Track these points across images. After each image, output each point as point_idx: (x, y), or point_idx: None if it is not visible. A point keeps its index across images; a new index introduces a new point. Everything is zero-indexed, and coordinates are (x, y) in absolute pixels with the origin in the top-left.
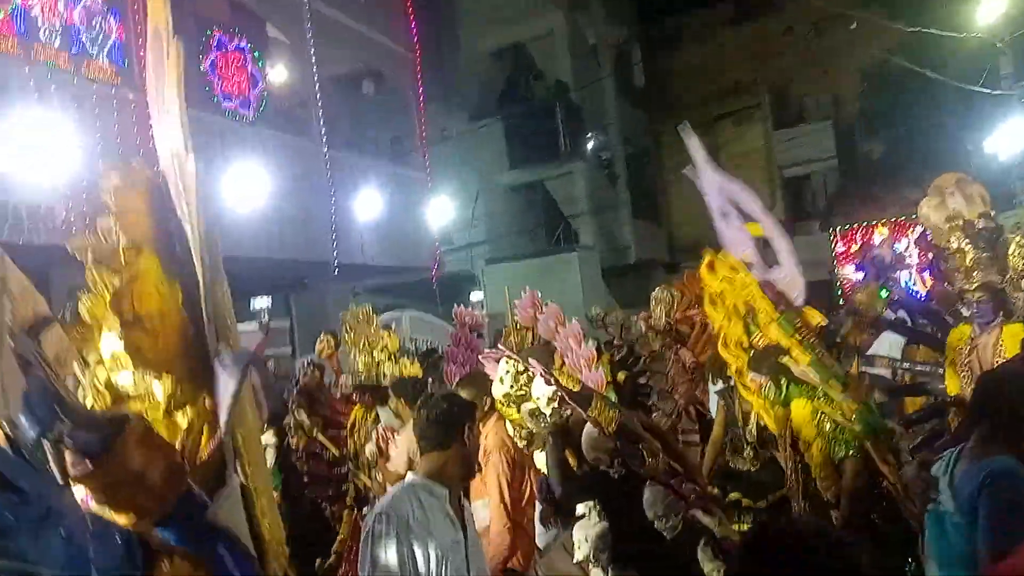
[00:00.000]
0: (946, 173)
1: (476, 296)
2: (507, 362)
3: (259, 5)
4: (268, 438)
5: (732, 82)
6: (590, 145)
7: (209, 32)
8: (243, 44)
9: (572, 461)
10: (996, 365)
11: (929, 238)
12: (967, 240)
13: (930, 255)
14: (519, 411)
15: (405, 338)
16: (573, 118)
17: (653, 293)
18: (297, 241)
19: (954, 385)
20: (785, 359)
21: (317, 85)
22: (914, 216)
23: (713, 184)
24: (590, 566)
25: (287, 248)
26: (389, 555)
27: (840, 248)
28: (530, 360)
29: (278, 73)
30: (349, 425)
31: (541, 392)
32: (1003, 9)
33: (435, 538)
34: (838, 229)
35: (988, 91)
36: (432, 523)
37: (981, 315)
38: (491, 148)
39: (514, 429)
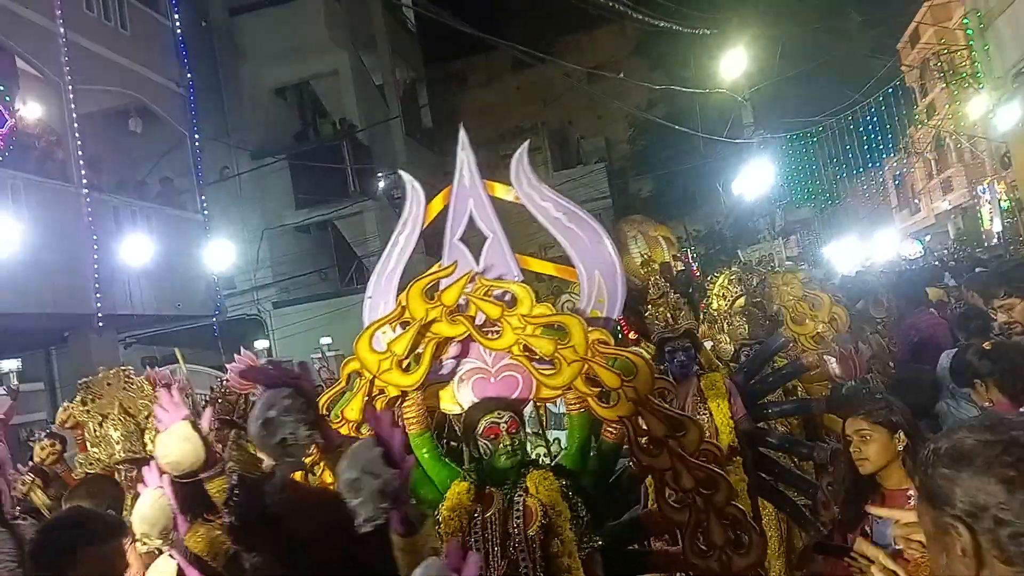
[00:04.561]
0: (629, 217)
1: (262, 344)
2: None
3: (6, 36)
4: None
5: (516, 124)
6: (380, 185)
7: None
8: None
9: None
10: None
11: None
12: (667, 285)
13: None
14: None
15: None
16: (361, 157)
17: None
18: (55, 292)
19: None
20: None
21: (75, 123)
22: (681, 251)
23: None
24: None
25: (43, 302)
26: None
27: None
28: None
29: (30, 110)
30: None
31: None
32: (744, 67)
33: None
34: None
35: (730, 140)
36: None
37: (683, 365)
38: (276, 187)
39: None
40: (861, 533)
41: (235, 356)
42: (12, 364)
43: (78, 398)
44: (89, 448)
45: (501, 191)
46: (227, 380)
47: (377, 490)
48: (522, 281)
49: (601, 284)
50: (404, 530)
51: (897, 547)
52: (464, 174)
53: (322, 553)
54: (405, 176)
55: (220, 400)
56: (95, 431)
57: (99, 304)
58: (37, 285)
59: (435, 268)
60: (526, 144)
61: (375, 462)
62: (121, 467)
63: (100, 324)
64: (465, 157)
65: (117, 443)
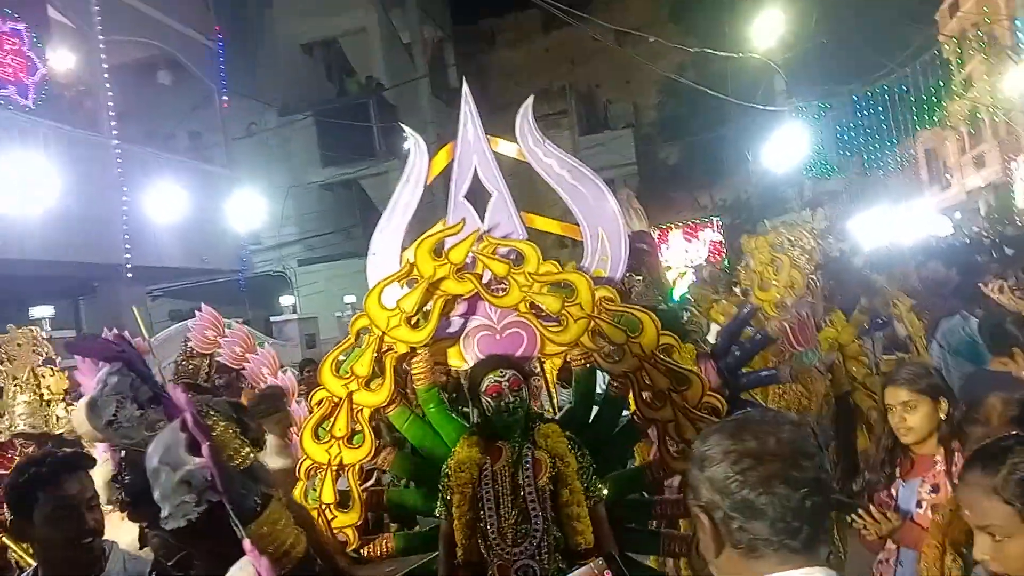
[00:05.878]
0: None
1: (287, 300)
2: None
3: None
4: None
5: (543, 86)
6: (406, 144)
7: None
8: (19, 26)
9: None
10: None
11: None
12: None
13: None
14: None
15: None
16: (387, 116)
17: None
18: (85, 242)
19: None
20: None
21: (106, 73)
22: (705, 219)
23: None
24: None
25: (74, 250)
26: None
27: None
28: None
29: (62, 59)
30: None
31: None
32: (779, 32)
33: None
34: None
35: (762, 107)
36: None
37: None
38: (302, 144)
39: None
40: (887, 495)
41: (196, 313)
42: (46, 311)
43: None
44: None
45: (505, 147)
46: (189, 342)
47: (177, 482)
48: (527, 239)
49: (605, 241)
50: (241, 519)
51: (917, 510)
52: (468, 128)
53: (214, 524)
54: (408, 130)
55: (182, 363)
56: (3, 396)
57: (128, 255)
58: (67, 234)
59: (440, 225)
60: (531, 99)
61: (174, 451)
62: (17, 440)
63: (130, 275)
64: (469, 111)
65: (20, 414)
